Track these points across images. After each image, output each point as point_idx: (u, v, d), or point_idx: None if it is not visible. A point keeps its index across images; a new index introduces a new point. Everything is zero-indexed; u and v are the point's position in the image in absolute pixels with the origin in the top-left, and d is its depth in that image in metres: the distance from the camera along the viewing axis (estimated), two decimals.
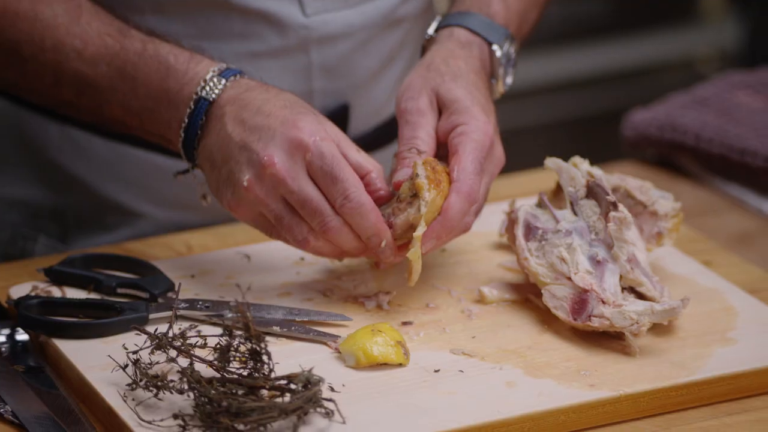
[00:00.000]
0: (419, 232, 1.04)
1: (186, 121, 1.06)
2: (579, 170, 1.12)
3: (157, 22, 1.17)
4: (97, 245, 1.23)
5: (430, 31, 1.17)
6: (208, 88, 1.06)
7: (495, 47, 1.15)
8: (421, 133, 1.09)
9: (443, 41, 1.15)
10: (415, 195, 1.05)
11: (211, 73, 1.07)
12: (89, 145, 1.23)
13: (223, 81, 1.07)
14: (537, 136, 2.55)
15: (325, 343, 1.05)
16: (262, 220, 1.06)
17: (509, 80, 1.18)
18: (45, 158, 1.25)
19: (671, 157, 1.39)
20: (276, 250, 1.14)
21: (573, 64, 2.69)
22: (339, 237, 1.05)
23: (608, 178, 1.13)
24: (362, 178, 1.06)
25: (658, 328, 1.07)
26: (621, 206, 1.08)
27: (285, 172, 1.03)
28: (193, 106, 1.06)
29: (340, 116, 1.26)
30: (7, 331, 1.04)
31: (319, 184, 1.04)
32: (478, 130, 1.08)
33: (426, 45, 1.17)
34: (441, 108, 1.11)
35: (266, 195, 1.04)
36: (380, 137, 1.30)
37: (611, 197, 1.08)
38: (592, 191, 1.10)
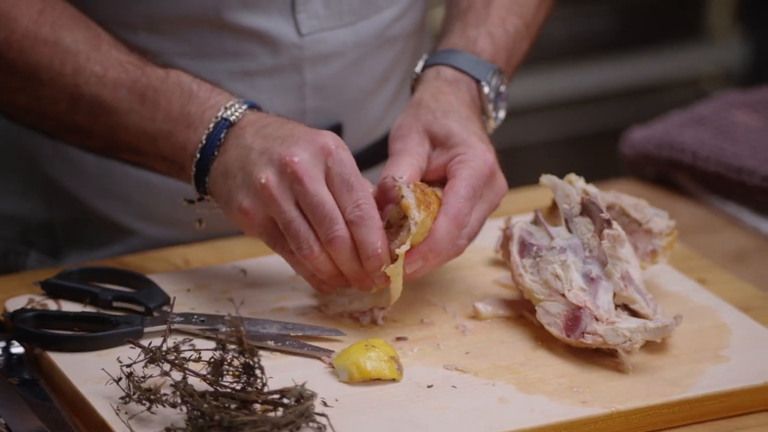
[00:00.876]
0: (402, 249, 1.04)
1: (203, 141, 1.07)
2: (574, 187, 1.12)
3: (150, 41, 1.18)
4: (88, 261, 1.24)
5: (417, 69, 1.17)
6: (230, 112, 1.08)
7: (483, 83, 1.15)
8: (401, 161, 1.09)
9: (430, 80, 1.15)
10: (405, 217, 1.05)
11: (233, 101, 1.09)
12: (81, 161, 1.24)
13: (245, 107, 1.08)
14: (536, 153, 2.55)
15: (319, 358, 1.06)
16: (270, 227, 1.06)
17: (501, 114, 1.17)
18: (37, 173, 1.25)
19: (669, 175, 1.39)
20: (272, 265, 1.15)
21: (576, 81, 2.69)
22: (342, 251, 1.04)
23: (603, 195, 1.13)
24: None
25: (651, 346, 1.07)
26: (615, 224, 1.08)
27: (304, 171, 1.04)
28: (212, 128, 1.07)
29: None
30: (2, 344, 1.05)
31: (334, 190, 1.05)
32: (477, 158, 1.08)
33: (413, 84, 1.17)
34: (437, 144, 1.11)
35: (281, 194, 1.04)
36: (373, 156, 1.30)
37: (605, 215, 1.09)
38: (587, 209, 1.11)
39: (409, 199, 1.04)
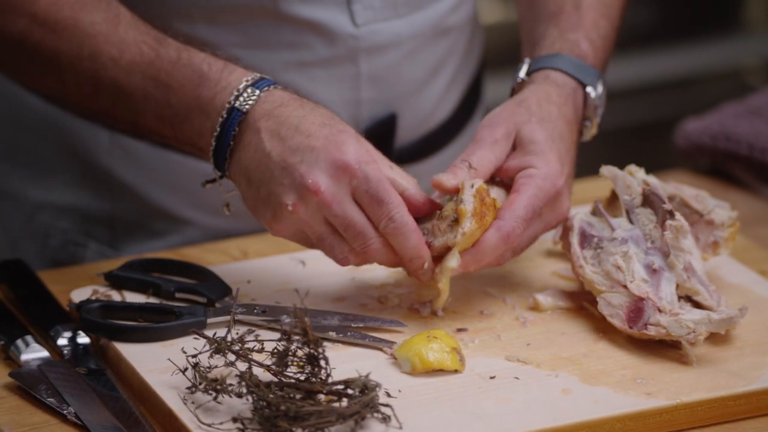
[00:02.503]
0: (452, 264, 1.04)
1: (218, 130, 1.05)
2: (635, 178, 1.12)
3: (207, 31, 1.18)
4: (146, 251, 1.24)
5: (521, 74, 1.15)
6: (242, 99, 1.05)
7: (589, 89, 1.14)
8: (481, 152, 1.08)
9: (539, 83, 1.13)
10: (457, 220, 1.04)
11: (244, 83, 1.05)
12: (139, 152, 1.24)
13: (257, 92, 1.05)
14: (585, 146, 2.54)
15: (380, 349, 1.06)
16: (303, 237, 1.06)
17: (598, 120, 1.16)
18: (95, 165, 1.26)
19: (724, 167, 1.38)
20: None
21: (619, 74, 2.68)
22: (378, 256, 1.05)
23: (664, 186, 1.13)
24: (400, 194, 1.05)
25: (715, 338, 1.06)
26: (678, 215, 1.08)
27: (331, 197, 1.02)
28: (225, 115, 1.05)
29: (387, 125, 1.26)
30: (69, 334, 1.06)
31: (363, 206, 1.04)
32: (547, 177, 1.07)
33: (516, 88, 1.15)
34: (518, 146, 1.10)
35: (310, 218, 1.04)
36: (426, 147, 1.30)
37: (668, 205, 1.08)
38: (649, 199, 1.10)
39: (467, 206, 1.04)
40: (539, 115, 1.10)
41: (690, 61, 2.76)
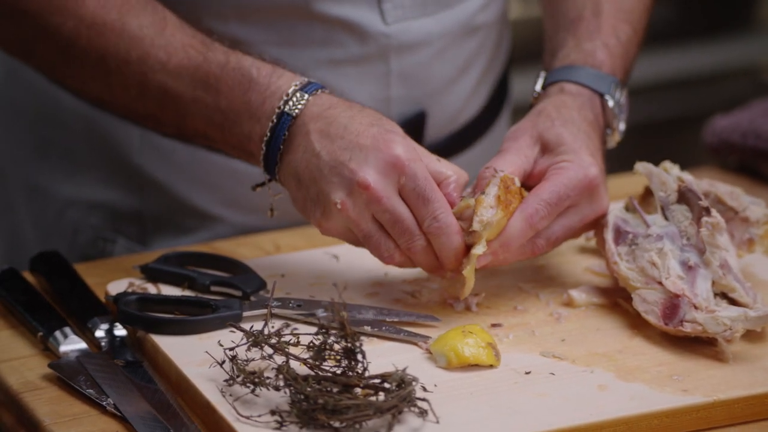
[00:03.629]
0: (478, 250, 1.04)
1: (268, 134, 1.06)
2: (670, 175, 1.12)
3: (240, 29, 1.18)
4: (175, 248, 1.24)
5: (537, 87, 1.16)
6: (291, 103, 1.05)
7: (607, 97, 1.14)
8: (507, 158, 1.08)
9: (554, 95, 1.14)
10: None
11: (293, 87, 1.06)
12: (169, 149, 1.25)
13: (306, 96, 1.06)
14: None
15: (415, 344, 1.06)
16: (350, 236, 1.07)
17: (622, 126, 1.16)
18: (125, 161, 1.26)
19: (753, 164, 1.38)
20: (364, 251, 1.14)
21: (639, 71, 2.68)
22: (421, 256, 1.05)
23: (698, 183, 1.13)
24: (441, 183, 1.06)
25: (751, 335, 1.06)
26: (714, 211, 1.08)
27: (380, 193, 1.03)
28: (275, 120, 1.06)
29: (416, 123, 1.27)
30: (106, 326, 1.06)
31: (410, 204, 1.04)
32: (578, 169, 1.07)
33: (534, 102, 1.16)
34: (546, 151, 1.10)
35: (358, 215, 1.04)
36: (455, 144, 1.30)
37: (704, 202, 1.08)
38: (684, 196, 1.10)
39: (489, 196, 1.04)
40: (562, 119, 1.11)
41: (707, 59, 2.76)
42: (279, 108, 1.06)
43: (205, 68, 1.08)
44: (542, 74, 1.17)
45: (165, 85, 1.08)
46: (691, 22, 2.79)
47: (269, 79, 1.07)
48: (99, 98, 1.13)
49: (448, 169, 1.07)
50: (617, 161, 1.26)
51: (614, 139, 1.16)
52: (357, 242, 1.07)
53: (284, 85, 1.07)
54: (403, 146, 1.04)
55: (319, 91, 1.07)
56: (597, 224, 1.12)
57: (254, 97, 1.07)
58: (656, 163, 1.14)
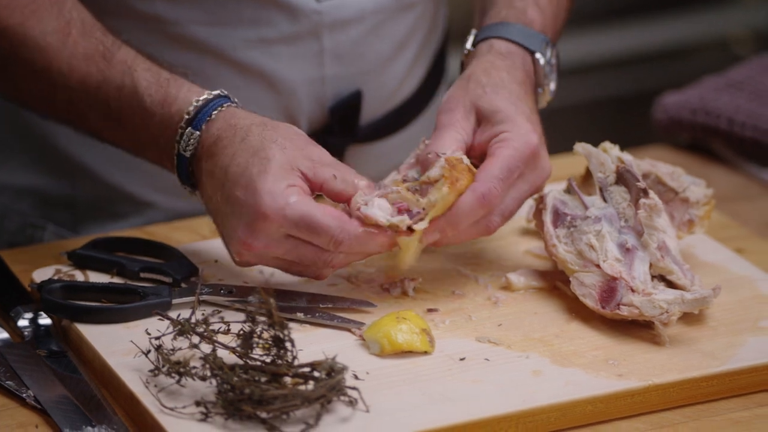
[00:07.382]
0: (420, 226, 1.03)
1: (175, 169, 1.06)
2: (609, 156, 1.10)
3: (166, 8, 1.15)
4: (106, 234, 1.22)
5: (468, 45, 1.14)
6: (182, 144, 1.04)
7: (538, 55, 1.12)
8: (445, 137, 1.07)
9: (483, 54, 1.12)
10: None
11: (185, 119, 1.04)
12: None
13: (196, 133, 1.03)
14: (565, 119, 2.52)
15: (349, 330, 1.04)
16: (280, 263, 1.04)
17: (553, 86, 1.14)
18: (54, 146, 1.24)
19: (704, 142, 1.36)
20: None
21: (603, 44, 2.66)
22: (350, 259, 1.03)
23: (639, 163, 1.11)
24: (348, 195, 1.03)
25: (689, 317, 1.05)
26: (652, 193, 1.06)
27: (264, 247, 1.01)
28: (175, 160, 1.05)
29: (352, 102, 1.25)
30: (29, 315, 1.04)
31: (304, 240, 1.02)
32: (520, 138, 1.06)
33: (465, 60, 1.14)
34: (483, 120, 1.08)
35: (261, 260, 1.02)
36: (392, 123, 1.28)
37: (642, 183, 1.06)
38: (622, 177, 1.08)
39: (433, 173, 1.02)
40: (492, 84, 1.09)
41: (677, 31, 2.74)
42: (174, 148, 1.05)
43: (105, 91, 1.06)
44: (473, 32, 1.15)
45: (71, 99, 1.07)
46: None
47: (162, 110, 1.05)
48: (15, 101, 1.12)
49: (347, 186, 1.02)
50: (580, 138, 1.23)
51: (545, 99, 1.14)
52: (292, 267, 1.05)
53: (176, 115, 1.04)
54: (270, 194, 1.00)
55: (212, 116, 1.04)
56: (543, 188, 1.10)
57: (152, 130, 1.05)
58: (631, 140, 1.12)
